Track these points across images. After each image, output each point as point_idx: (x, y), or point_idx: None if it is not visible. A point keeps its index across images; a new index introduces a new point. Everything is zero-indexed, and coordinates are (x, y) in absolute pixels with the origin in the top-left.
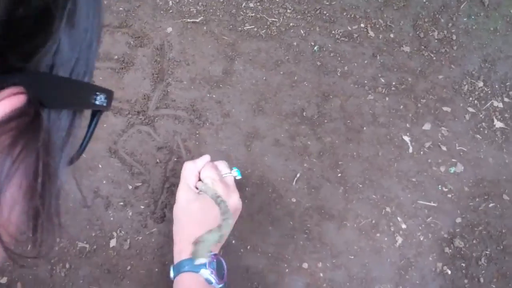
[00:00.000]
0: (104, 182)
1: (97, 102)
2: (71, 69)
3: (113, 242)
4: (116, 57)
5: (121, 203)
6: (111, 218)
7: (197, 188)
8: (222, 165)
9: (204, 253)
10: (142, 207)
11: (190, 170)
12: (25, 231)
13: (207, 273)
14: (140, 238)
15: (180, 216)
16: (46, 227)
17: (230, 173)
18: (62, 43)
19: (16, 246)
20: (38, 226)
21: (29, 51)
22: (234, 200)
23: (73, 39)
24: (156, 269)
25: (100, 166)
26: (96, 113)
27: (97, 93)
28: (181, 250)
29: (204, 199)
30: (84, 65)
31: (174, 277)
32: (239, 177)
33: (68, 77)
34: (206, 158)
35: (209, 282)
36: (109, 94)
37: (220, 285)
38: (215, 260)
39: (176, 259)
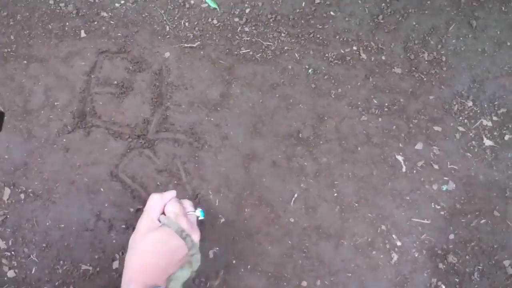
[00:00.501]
0: (106, 205)
1: None
2: None
3: (116, 264)
4: (115, 82)
5: (123, 226)
6: (114, 241)
7: (159, 221)
8: (187, 203)
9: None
10: None
11: (156, 201)
12: None
13: None
14: None
15: (137, 244)
16: None
17: (194, 212)
18: None
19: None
20: None
21: None
22: (195, 239)
23: None
24: None
25: (102, 189)
26: None
27: None
28: (131, 280)
29: (165, 230)
30: None
31: None
32: (201, 217)
33: None
34: (172, 193)
35: None
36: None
37: None
38: None
39: None
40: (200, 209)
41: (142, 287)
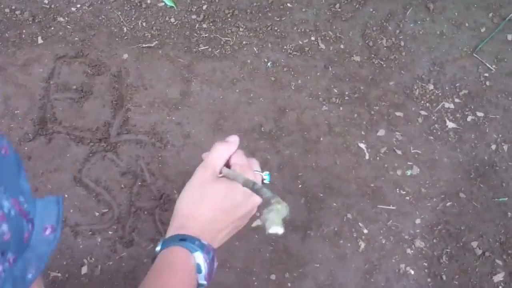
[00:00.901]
0: (71, 211)
1: None
2: None
3: (84, 269)
4: (74, 87)
5: (89, 231)
6: (81, 246)
7: (220, 173)
8: (255, 162)
9: (280, 221)
10: (110, 232)
11: (221, 151)
12: None
13: (201, 259)
14: (111, 263)
15: (194, 192)
16: None
17: (261, 173)
18: None
19: None
20: None
21: None
22: (257, 200)
23: None
24: None
25: (66, 195)
26: None
27: None
28: (182, 227)
29: (229, 184)
30: None
31: (160, 250)
32: (267, 181)
33: None
34: (237, 140)
35: (198, 270)
36: None
37: (204, 283)
38: (211, 252)
39: (171, 233)
40: (268, 173)
41: (195, 236)
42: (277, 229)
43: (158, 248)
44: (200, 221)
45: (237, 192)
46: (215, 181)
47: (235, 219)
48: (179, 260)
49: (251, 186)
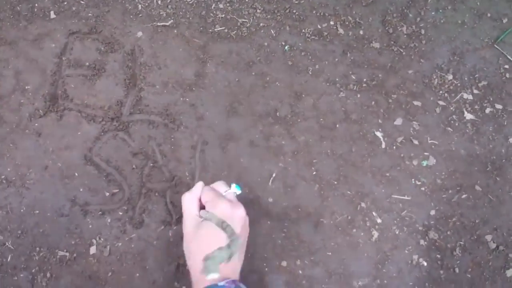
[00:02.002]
0: (81, 190)
1: None
2: None
3: (93, 249)
4: (87, 64)
5: (99, 211)
6: (90, 226)
7: (201, 217)
8: (219, 185)
9: (215, 267)
10: (120, 213)
11: (189, 200)
12: None
13: None
14: (120, 244)
15: (190, 245)
16: None
17: (229, 189)
18: None
19: None
20: None
21: None
22: (240, 214)
23: None
24: (137, 274)
25: (76, 174)
26: None
27: None
28: (198, 281)
29: (209, 224)
30: None
31: None
32: (239, 192)
33: None
34: (200, 184)
35: None
36: None
37: None
38: (233, 286)
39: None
40: (235, 184)
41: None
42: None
43: None
44: None
45: (217, 231)
46: (198, 229)
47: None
48: None
49: (221, 226)
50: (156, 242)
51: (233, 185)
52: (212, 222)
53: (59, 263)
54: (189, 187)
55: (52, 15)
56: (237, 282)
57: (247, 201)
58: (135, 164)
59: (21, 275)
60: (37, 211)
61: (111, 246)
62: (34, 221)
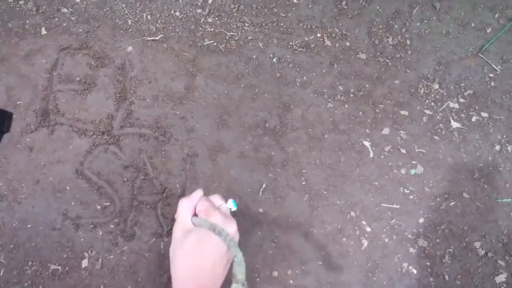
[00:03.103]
0: (73, 203)
1: None
2: None
3: (85, 263)
4: (78, 78)
5: (91, 224)
6: (82, 239)
7: (193, 224)
8: (216, 198)
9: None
10: (112, 226)
11: (185, 206)
12: None
13: None
14: (112, 257)
15: (176, 253)
16: None
17: (225, 204)
18: None
19: None
20: None
21: None
22: (232, 229)
23: None
24: (129, 287)
25: (67, 188)
26: None
27: None
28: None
29: (200, 230)
30: None
31: None
32: (234, 208)
33: None
34: (199, 192)
35: None
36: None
37: None
38: None
39: None
40: (232, 200)
41: None
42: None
43: None
44: (194, 277)
45: (209, 237)
46: (188, 236)
47: (217, 258)
48: None
49: (214, 231)
50: (147, 254)
51: (230, 201)
52: (204, 227)
53: (52, 277)
54: (180, 199)
55: (43, 31)
56: None
57: (237, 211)
58: (126, 177)
59: None
60: (29, 225)
61: (103, 259)
62: (26, 235)
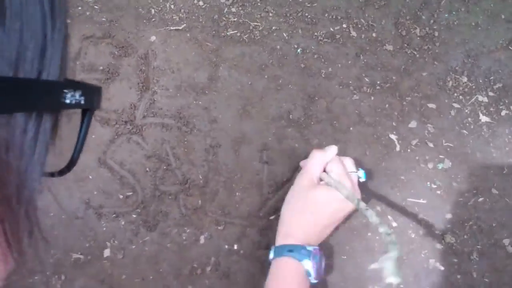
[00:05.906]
0: (95, 192)
1: (67, 101)
2: (14, 66)
3: (107, 252)
4: (101, 68)
5: (113, 213)
6: (104, 228)
7: (321, 180)
8: (349, 162)
9: (396, 271)
10: (134, 216)
11: (318, 159)
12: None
13: (309, 265)
14: (134, 247)
15: (295, 200)
16: (19, 235)
17: (356, 172)
18: None
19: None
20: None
21: None
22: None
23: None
24: (151, 277)
25: (90, 177)
26: (85, 113)
27: (66, 90)
28: (288, 235)
29: (328, 190)
30: (35, 61)
31: (273, 258)
32: (363, 179)
33: (8, 77)
34: (334, 150)
35: (308, 274)
36: (87, 90)
37: (314, 281)
38: (318, 255)
39: (280, 242)
40: (362, 170)
41: (301, 243)
42: (393, 279)
43: (271, 256)
44: (304, 228)
45: (335, 200)
46: (313, 188)
47: (336, 221)
48: (292, 270)
49: (356, 205)
50: (169, 245)
51: (361, 170)
52: (337, 189)
53: (74, 266)
54: (202, 190)
55: (67, 20)
56: (321, 251)
57: (260, 204)
58: (148, 167)
59: (36, 277)
60: (52, 214)
61: (125, 249)
62: (49, 223)
